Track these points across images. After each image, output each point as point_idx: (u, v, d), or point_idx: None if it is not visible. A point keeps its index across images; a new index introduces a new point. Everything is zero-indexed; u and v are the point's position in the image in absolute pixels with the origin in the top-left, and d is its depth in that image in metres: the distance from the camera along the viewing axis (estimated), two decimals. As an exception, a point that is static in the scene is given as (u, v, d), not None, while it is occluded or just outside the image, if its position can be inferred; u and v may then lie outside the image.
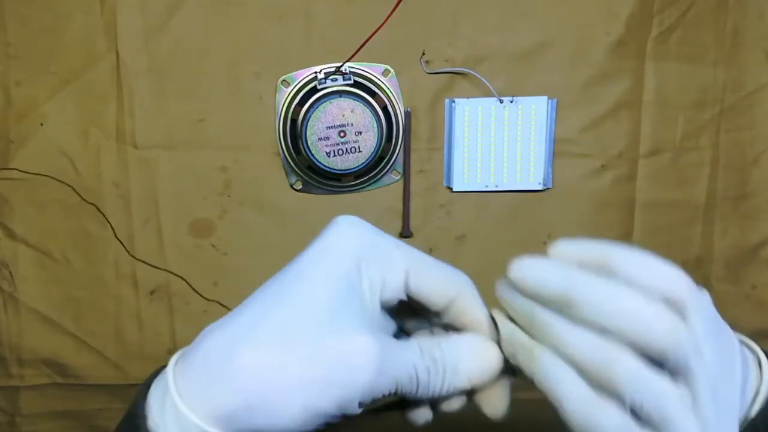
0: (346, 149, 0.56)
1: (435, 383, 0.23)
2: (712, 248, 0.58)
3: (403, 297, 0.24)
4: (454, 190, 0.58)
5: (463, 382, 0.23)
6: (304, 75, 0.56)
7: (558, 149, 0.57)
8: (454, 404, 0.25)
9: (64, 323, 0.60)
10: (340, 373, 0.21)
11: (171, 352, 0.59)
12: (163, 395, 0.22)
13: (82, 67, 0.56)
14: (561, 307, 0.21)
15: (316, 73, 0.56)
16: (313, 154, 0.56)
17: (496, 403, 0.24)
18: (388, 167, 0.58)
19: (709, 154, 0.57)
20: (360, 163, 0.56)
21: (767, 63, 0.56)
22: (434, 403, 0.25)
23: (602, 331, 0.19)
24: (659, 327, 0.19)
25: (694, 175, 0.58)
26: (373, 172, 0.58)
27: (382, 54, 0.56)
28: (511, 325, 0.23)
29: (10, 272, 0.59)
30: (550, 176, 0.57)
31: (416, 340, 0.24)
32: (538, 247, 0.58)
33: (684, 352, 0.19)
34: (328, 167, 0.56)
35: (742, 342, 0.25)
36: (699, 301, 0.20)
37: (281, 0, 0.56)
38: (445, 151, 0.58)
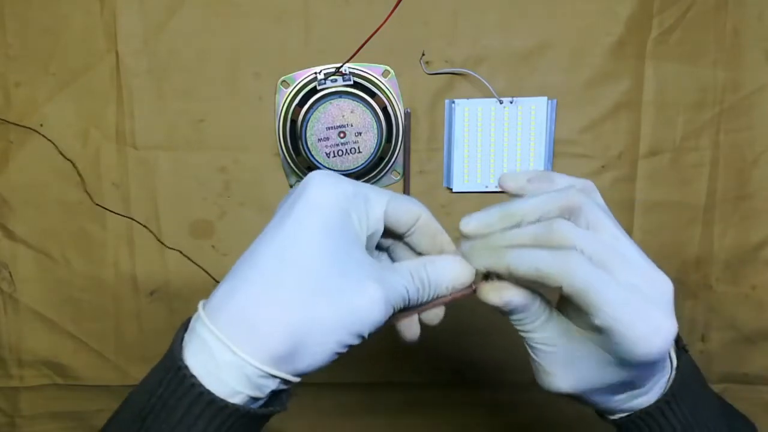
0: (346, 150, 0.56)
1: (421, 298, 0.29)
2: (711, 248, 0.58)
3: (382, 227, 0.30)
4: (454, 190, 0.58)
5: (444, 292, 0.30)
6: (303, 76, 0.56)
7: (558, 150, 0.57)
8: (433, 316, 0.32)
9: (64, 324, 0.60)
10: (359, 316, 0.27)
11: (171, 352, 0.60)
12: (203, 350, 0.27)
13: (81, 68, 0.56)
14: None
15: (315, 73, 0.56)
16: (312, 155, 0.56)
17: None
18: (387, 168, 0.58)
19: (709, 154, 0.57)
20: (360, 164, 0.56)
21: (767, 63, 0.56)
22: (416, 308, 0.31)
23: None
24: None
25: (694, 176, 0.58)
26: (373, 173, 0.58)
27: (381, 54, 0.56)
28: (470, 242, 0.30)
29: (10, 272, 0.59)
30: (550, 177, 0.57)
31: (406, 265, 0.30)
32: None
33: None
34: (327, 168, 0.56)
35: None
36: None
37: (281, 0, 0.56)
38: (445, 152, 0.58)
